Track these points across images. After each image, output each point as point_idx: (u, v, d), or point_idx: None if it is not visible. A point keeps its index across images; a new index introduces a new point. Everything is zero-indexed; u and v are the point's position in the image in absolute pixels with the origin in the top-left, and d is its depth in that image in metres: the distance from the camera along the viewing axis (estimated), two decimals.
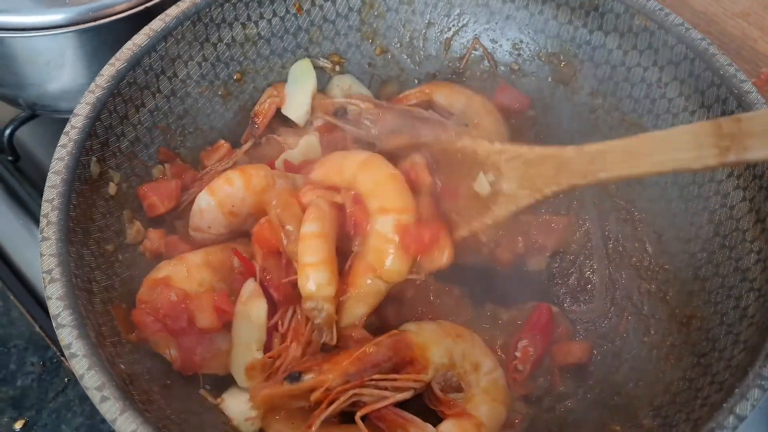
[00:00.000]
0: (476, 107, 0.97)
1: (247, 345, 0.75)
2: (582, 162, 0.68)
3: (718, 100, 0.81)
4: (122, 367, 0.66)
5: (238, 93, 0.96)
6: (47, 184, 0.69)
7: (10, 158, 1.12)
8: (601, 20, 0.92)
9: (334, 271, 0.74)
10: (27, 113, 1.11)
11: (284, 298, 0.76)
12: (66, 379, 0.90)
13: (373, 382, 0.70)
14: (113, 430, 0.82)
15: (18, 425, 0.87)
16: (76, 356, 0.59)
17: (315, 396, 0.68)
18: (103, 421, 0.85)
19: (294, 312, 0.76)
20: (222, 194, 0.81)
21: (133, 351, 0.70)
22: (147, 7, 0.96)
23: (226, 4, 0.90)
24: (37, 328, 0.93)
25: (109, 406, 0.57)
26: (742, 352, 0.66)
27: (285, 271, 0.77)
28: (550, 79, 0.99)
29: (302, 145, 0.91)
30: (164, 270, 0.77)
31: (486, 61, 1.02)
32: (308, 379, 0.69)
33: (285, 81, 0.98)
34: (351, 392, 0.69)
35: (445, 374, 0.73)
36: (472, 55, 1.02)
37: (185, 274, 0.77)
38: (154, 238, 0.82)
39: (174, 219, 0.86)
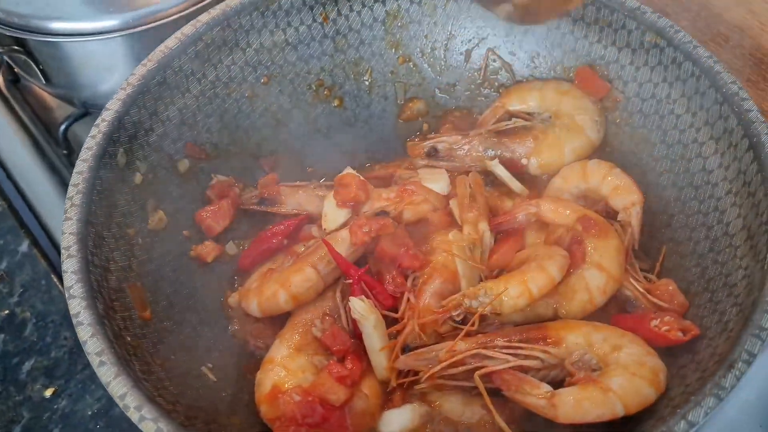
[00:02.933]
0: (550, 96, 1.00)
1: (376, 352, 0.79)
2: None
3: (721, 117, 0.82)
4: (128, 339, 0.72)
5: (265, 95, 1.01)
6: (75, 170, 0.77)
7: (64, 152, 1.23)
8: (614, 36, 0.94)
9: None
10: (80, 111, 1.21)
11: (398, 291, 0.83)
12: None
13: (497, 346, 0.76)
14: None
15: (48, 392, 0.95)
16: (82, 324, 0.66)
17: (442, 355, 0.76)
18: None
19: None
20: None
21: (142, 326, 0.77)
22: (190, 12, 1.04)
23: (255, 13, 0.96)
24: None
25: (105, 370, 0.63)
26: (716, 364, 0.66)
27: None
28: None
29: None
30: (265, 382, 0.79)
31: (503, 71, 1.05)
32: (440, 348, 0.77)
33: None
34: (475, 350, 0.76)
35: (582, 354, 0.76)
36: (491, 67, 1.05)
37: (285, 373, 0.78)
38: (210, 249, 0.90)
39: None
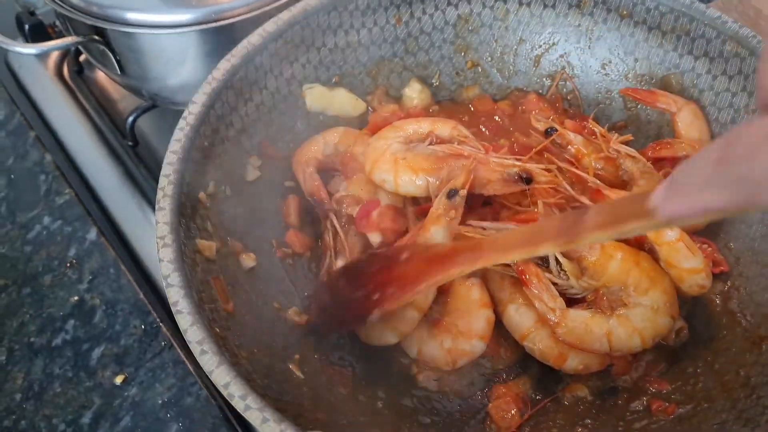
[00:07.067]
0: None
1: None
2: None
3: None
4: (217, 330, 0.73)
5: None
6: (165, 161, 0.78)
7: (130, 143, 1.24)
8: (691, 45, 0.94)
9: None
10: (148, 104, 1.23)
11: None
12: (162, 343, 0.99)
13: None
14: (200, 392, 0.92)
15: (118, 379, 0.96)
16: (182, 313, 0.67)
17: None
18: (193, 383, 0.94)
19: None
20: None
21: (227, 318, 0.77)
22: (263, 11, 1.06)
23: (333, 12, 0.97)
24: (141, 296, 1.03)
25: (208, 359, 0.64)
26: None
27: None
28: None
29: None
30: None
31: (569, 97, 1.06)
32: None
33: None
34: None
35: (615, 291, 0.80)
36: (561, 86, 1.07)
37: None
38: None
39: None
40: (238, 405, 0.61)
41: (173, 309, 0.67)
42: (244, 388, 0.62)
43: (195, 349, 0.65)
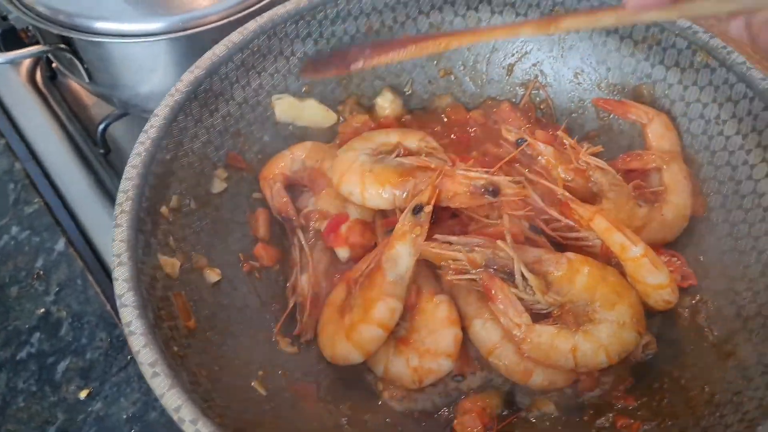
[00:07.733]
0: None
1: None
2: None
3: None
4: (175, 349, 0.72)
5: None
6: (124, 176, 0.77)
7: (101, 151, 1.23)
8: (663, 55, 0.93)
9: None
10: (120, 111, 1.21)
11: None
12: (129, 357, 0.98)
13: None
14: None
15: (83, 394, 0.95)
16: (135, 334, 0.66)
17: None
18: (158, 398, 0.93)
19: None
20: None
21: (187, 336, 0.76)
22: (234, 19, 1.04)
23: (301, 21, 0.96)
24: (108, 307, 1.02)
25: (159, 382, 0.63)
26: None
27: None
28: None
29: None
30: None
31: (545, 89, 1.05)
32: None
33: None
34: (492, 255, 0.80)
35: (581, 306, 0.79)
36: (534, 95, 1.06)
37: None
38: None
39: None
40: (188, 430, 0.60)
41: (125, 330, 0.66)
42: (194, 413, 0.61)
43: (146, 371, 0.64)
